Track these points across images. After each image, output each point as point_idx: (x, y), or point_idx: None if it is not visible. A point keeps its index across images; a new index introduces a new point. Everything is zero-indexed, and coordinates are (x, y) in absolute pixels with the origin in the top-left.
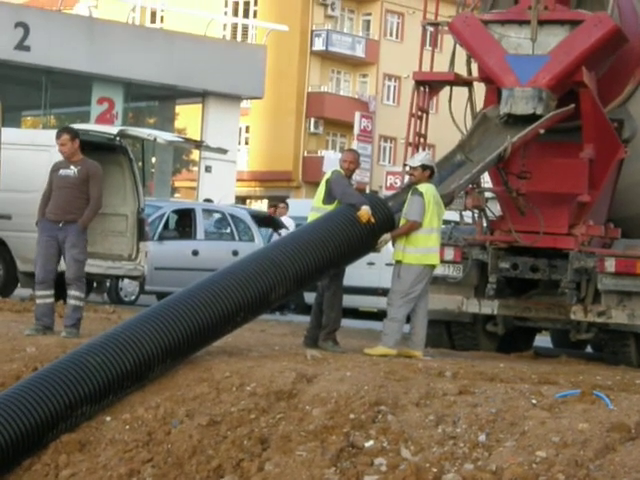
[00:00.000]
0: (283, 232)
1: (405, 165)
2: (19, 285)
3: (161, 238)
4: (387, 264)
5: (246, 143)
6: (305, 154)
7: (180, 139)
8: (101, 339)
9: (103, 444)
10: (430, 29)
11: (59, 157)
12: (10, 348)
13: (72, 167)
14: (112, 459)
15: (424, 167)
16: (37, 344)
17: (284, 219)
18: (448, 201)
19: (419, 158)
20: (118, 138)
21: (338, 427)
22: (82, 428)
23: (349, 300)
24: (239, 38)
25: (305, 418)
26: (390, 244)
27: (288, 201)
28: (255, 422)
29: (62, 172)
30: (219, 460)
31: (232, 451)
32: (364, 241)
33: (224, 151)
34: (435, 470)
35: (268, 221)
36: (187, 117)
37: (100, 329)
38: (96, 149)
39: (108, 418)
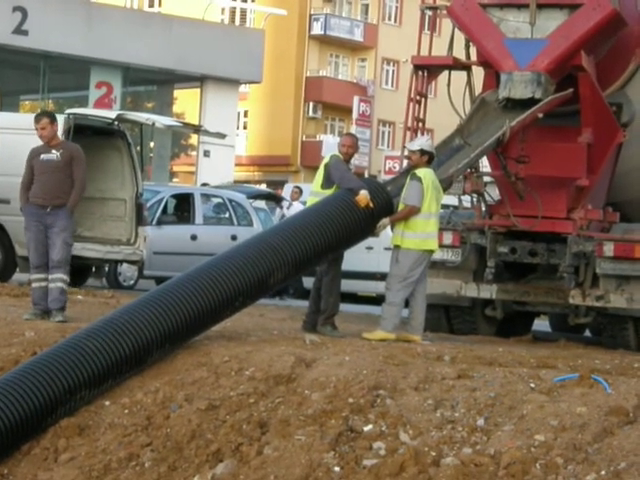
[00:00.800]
0: (284, 205)
1: (404, 148)
2: (17, 270)
3: (160, 223)
4: (385, 249)
5: (244, 127)
6: (304, 138)
7: (178, 123)
8: (100, 323)
9: (102, 428)
10: (429, 13)
11: None
12: (9, 332)
13: (53, 151)
14: (111, 443)
15: (422, 152)
16: (36, 328)
17: (296, 204)
18: (447, 185)
19: (418, 142)
20: (116, 122)
21: (337, 411)
22: (81, 412)
23: (348, 285)
24: (237, 22)
25: (304, 402)
26: (389, 229)
27: (288, 185)
28: (254, 406)
29: (44, 157)
30: (218, 444)
31: (231, 435)
32: (363, 226)
33: (222, 135)
34: (434, 454)
35: (271, 197)
36: (185, 101)
37: (99, 314)
38: (94, 133)
39: (107, 402)
